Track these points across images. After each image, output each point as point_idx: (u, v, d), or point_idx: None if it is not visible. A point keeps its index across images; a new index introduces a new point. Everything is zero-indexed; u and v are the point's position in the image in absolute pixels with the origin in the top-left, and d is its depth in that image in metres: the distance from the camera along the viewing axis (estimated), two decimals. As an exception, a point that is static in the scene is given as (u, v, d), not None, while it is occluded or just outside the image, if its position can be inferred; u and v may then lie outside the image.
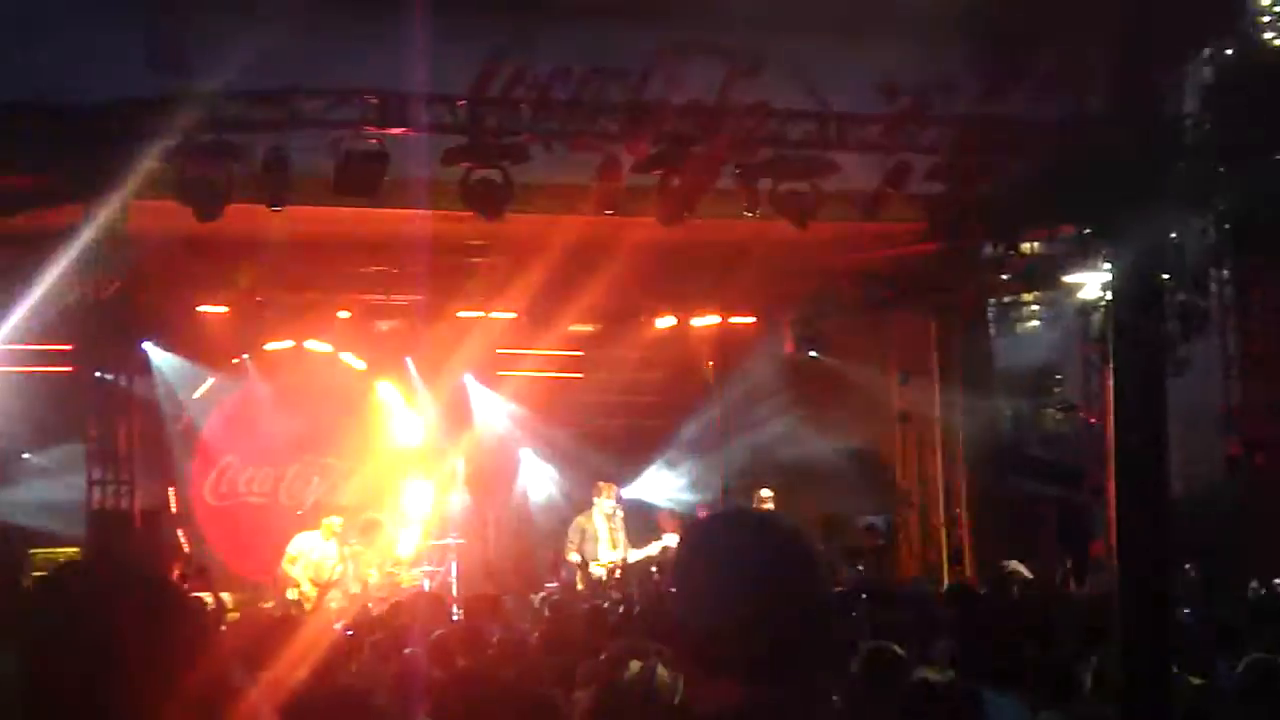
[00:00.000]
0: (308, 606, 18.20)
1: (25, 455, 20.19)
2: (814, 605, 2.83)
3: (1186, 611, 12.28)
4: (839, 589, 16.48)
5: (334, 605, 18.21)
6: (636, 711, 8.72)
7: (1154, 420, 3.51)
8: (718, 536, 2.97)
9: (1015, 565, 17.84)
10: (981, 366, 21.88)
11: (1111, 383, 3.64)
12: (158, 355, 20.46)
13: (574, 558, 19.73)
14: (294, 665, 5.56)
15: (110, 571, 2.45)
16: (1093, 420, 20.85)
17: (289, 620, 12.98)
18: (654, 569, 19.32)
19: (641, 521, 20.88)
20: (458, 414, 22.30)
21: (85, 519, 18.22)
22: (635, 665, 9.98)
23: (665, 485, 22.61)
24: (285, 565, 19.00)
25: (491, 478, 22.76)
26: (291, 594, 18.60)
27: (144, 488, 18.62)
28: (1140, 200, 4.08)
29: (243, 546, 21.07)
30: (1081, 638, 9.33)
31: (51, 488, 19.78)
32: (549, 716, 8.11)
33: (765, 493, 20.67)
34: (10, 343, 17.45)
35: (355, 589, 18.83)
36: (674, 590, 2.91)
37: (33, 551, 19.89)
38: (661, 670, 9.74)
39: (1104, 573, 18.02)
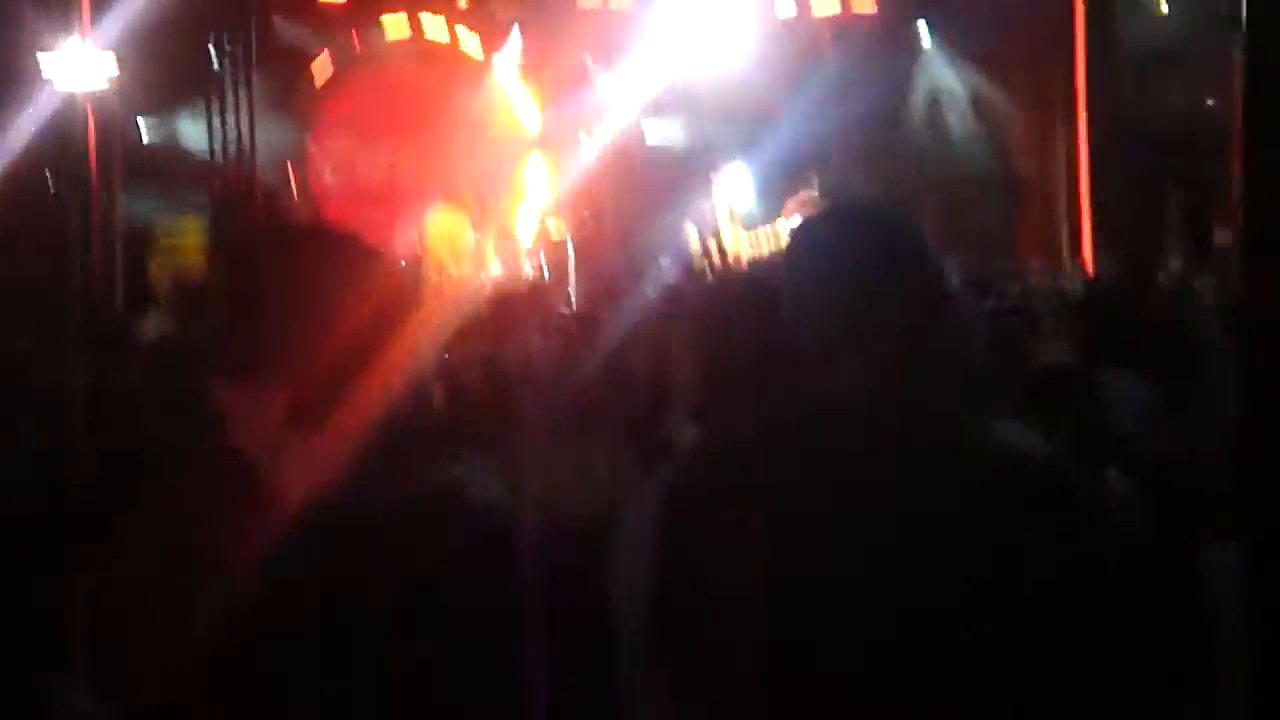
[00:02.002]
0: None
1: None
2: (918, 282, 2.84)
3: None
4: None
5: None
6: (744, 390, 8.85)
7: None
8: (826, 230, 2.97)
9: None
10: (1108, 45, 21.39)
11: (1242, 60, 3.52)
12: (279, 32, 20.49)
13: (693, 240, 19.56)
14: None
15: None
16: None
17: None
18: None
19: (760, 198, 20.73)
20: (576, 98, 22.18)
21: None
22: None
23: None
24: (430, 239, 19.03)
25: (613, 163, 22.74)
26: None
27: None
28: None
29: (360, 229, 21.23)
30: (1204, 325, 9.27)
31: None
32: (666, 395, 8.23)
33: None
34: (130, 27, 17.47)
35: (496, 269, 19.04)
36: (785, 283, 2.92)
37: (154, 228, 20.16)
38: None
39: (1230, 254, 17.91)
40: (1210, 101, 21.04)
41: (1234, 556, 4.42)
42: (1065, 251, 21.23)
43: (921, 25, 22.49)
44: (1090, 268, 19.58)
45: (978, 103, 22.17)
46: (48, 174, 17.28)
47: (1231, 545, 5.08)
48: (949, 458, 2.70)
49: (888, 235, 2.86)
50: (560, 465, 6.33)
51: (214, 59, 18.80)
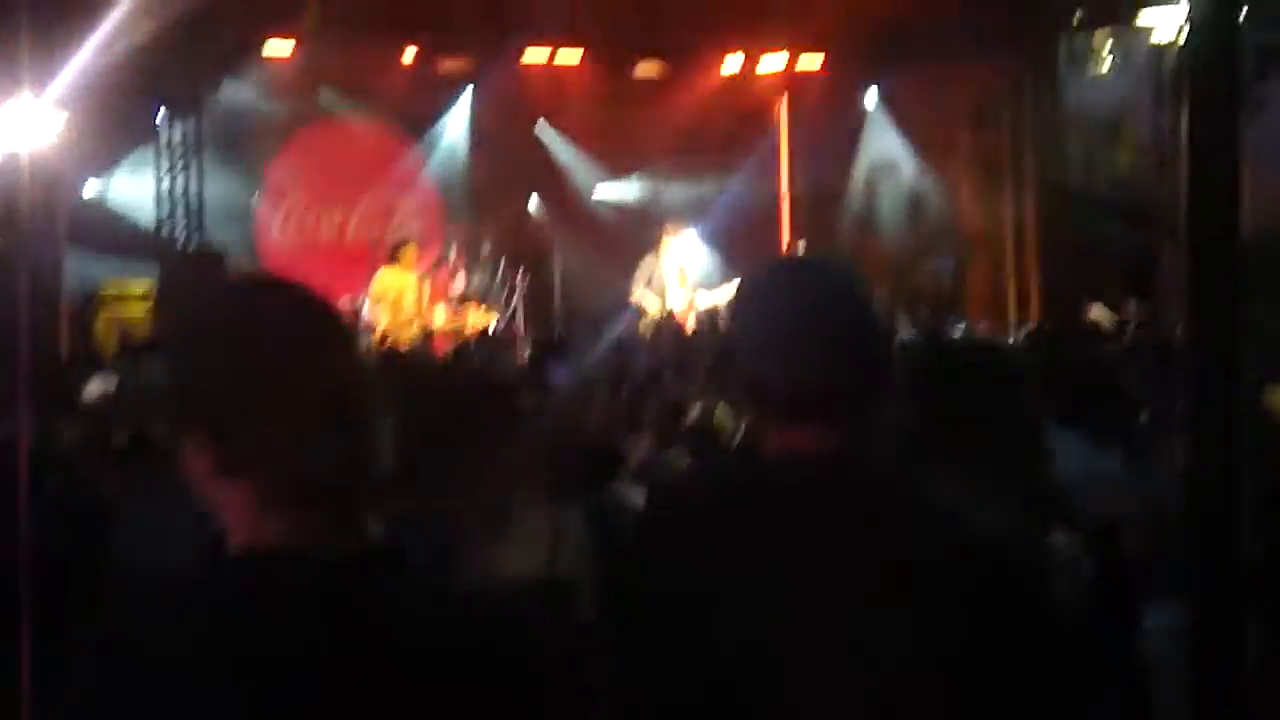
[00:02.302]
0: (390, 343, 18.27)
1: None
2: (871, 347, 2.85)
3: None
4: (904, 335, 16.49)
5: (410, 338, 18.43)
6: (698, 453, 8.86)
7: (1229, 157, 3.46)
8: (774, 281, 2.95)
9: (1098, 312, 17.80)
10: (1051, 109, 21.60)
11: (1185, 121, 3.59)
12: (230, 91, 20.46)
13: (641, 294, 19.60)
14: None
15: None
16: (1162, 163, 20.62)
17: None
18: (719, 314, 19.27)
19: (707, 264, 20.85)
20: (527, 156, 22.26)
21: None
22: (695, 408, 10.10)
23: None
24: (370, 303, 19.00)
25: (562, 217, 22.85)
26: (373, 338, 18.52)
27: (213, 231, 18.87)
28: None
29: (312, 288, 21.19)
30: (1149, 381, 9.36)
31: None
32: (612, 458, 8.24)
33: None
34: (79, 84, 17.45)
35: (439, 322, 19.04)
36: (734, 335, 2.94)
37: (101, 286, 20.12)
38: (720, 413, 9.86)
39: (1172, 314, 18.07)
40: (1152, 164, 21.28)
41: (1175, 615, 4.46)
42: (1012, 312, 21.36)
43: (871, 90, 22.70)
44: (1036, 328, 19.71)
45: (923, 165, 22.34)
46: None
47: (1172, 603, 5.13)
48: (900, 525, 2.72)
49: (836, 290, 2.86)
50: (501, 525, 6.33)
51: (162, 116, 18.77)
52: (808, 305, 2.82)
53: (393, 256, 19.61)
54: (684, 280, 19.76)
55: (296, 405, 2.25)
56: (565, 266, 22.29)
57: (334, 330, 2.42)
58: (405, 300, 19.13)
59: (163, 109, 18.58)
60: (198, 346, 2.37)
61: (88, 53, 16.19)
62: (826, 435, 2.77)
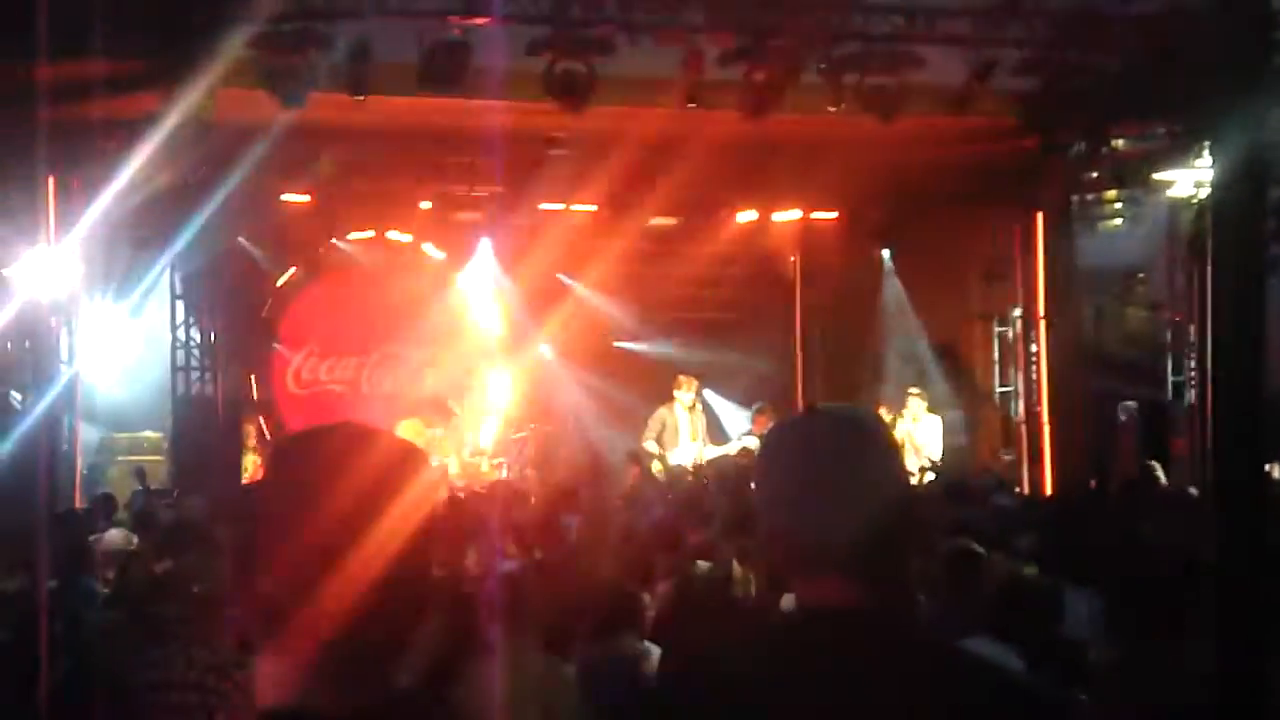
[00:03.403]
0: None
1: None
2: (896, 498, 2.83)
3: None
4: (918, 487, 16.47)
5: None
6: (713, 607, 8.79)
7: (1252, 319, 3.47)
8: (794, 434, 2.96)
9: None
10: (1065, 265, 21.68)
11: (1204, 281, 3.58)
12: (244, 243, 20.60)
13: (651, 446, 19.69)
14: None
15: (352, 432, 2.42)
16: (1178, 318, 20.65)
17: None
18: (732, 466, 19.30)
19: (717, 420, 20.91)
20: (540, 306, 22.33)
21: (170, 406, 18.49)
22: (705, 564, 10.06)
23: (743, 383, 22.60)
24: None
25: (571, 370, 22.90)
26: None
27: (226, 375, 18.91)
28: (1238, 95, 4.00)
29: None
30: (1167, 538, 9.33)
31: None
32: (629, 607, 8.18)
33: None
34: (96, 230, 17.60)
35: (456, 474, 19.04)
36: (762, 489, 2.93)
37: (114, 435, 20.22)
38: (736, 567, 9.81)
39: (1183, 471, 18.02)
40: (1165, 319, 21.33)
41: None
42: (1025, 468, 21.31)
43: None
44: (1050, 485, 19.66)
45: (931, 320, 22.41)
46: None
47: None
48: (926, 679, 2.69)
49: (856, 442, 2.85)
50: (502, 680, 6.32)
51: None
52: (827, 457, 2.81)
53: (416, 411, 19.73)
54: (695, 434, 19.83)
55: None
56: (579, 416, 22.34)
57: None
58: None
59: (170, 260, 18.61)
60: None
61: (105, 202, 16.31)
62: (849, 587, 2.75)
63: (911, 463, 18.54)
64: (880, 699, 2.64)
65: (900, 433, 19.45)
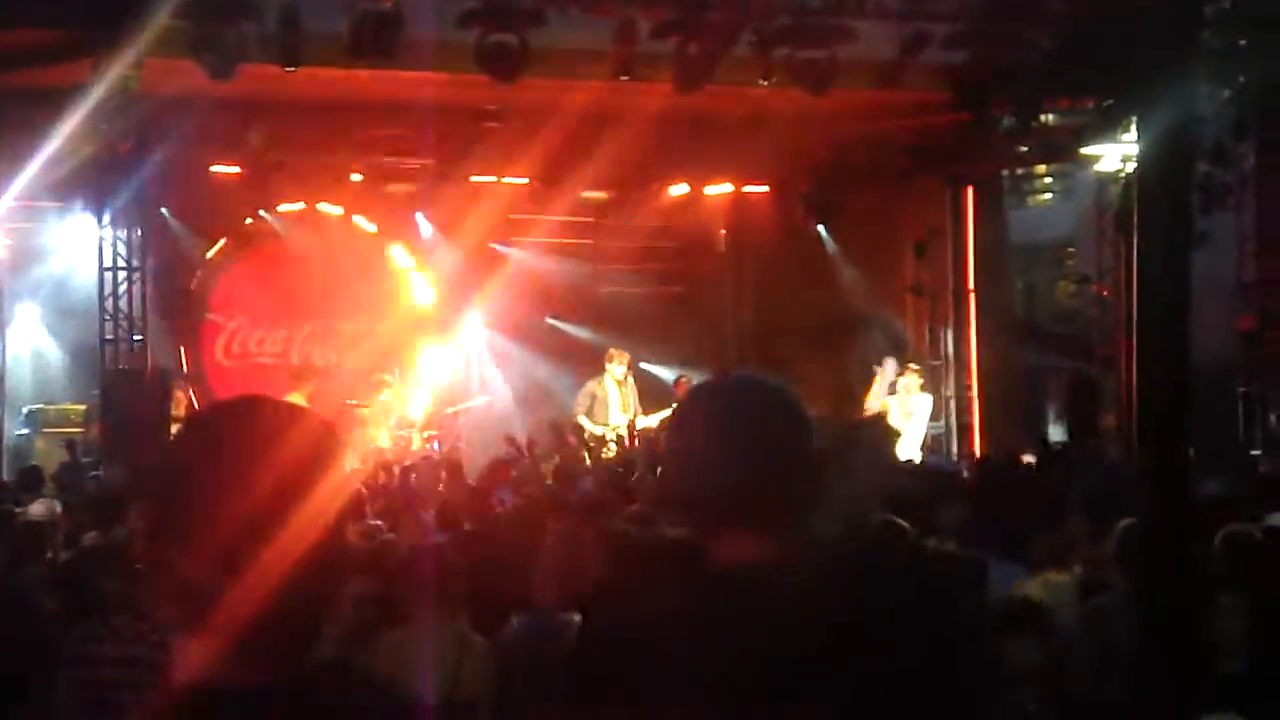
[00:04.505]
0: None
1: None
2: (803, 460, 2.89)
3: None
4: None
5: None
6: (641, 573, 8.78)
7: (1177, 292, 3.51)
8: (703, 400, 3.06)
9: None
10: (995, 239, 21.80)
11: (1130, 255, 3.63)
12: (171, 215, 20.45)
13: (583, 420, 19.72)
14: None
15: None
16: (1105, 293, 20.77)
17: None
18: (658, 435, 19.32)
19: (654, 390, 20.90)
20: (472, 278, 22.25)
21: (97, 377, 18.36)
22: (634, 531, 10.07)
23: (675, 354, 22.59)
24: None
25: (504, 344, 22.88)
26: None
27: (155, 347, 18.77)
28: (1165, 71, 4.04)
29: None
30: (1091, 510, 9.41)
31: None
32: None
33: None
34: (23, 199, 17.46)
35: (365, 449, 18.92)
36: (671, 452, 2.98)
37: (39, 407, 20.08)
38: (666, 532, 9.81)
39: (1113, 444, 18.16)
40: (1093, 292, 21.47)
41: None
42: (955, 440, 21.43)
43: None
44: (978, 455, 19.77)
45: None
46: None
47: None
48: (830, 629, 2.73)
49: (764, 406, 2.92)
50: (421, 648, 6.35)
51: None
52: (733, 420, 2.88)
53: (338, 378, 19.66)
54: (626, 406, 19.85)
55: None
56: (514, 389, 22.36)
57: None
58: (349, 419, 19.09)
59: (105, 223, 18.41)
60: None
61: (33, 168, 16.18)
62: (756, 543, 2.80)
63: (909, 441, 18.42)
64: (785, 651, 2.67)
65: (893, 403, 19.23)
